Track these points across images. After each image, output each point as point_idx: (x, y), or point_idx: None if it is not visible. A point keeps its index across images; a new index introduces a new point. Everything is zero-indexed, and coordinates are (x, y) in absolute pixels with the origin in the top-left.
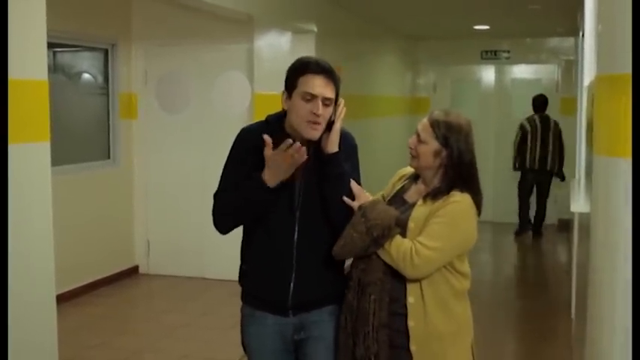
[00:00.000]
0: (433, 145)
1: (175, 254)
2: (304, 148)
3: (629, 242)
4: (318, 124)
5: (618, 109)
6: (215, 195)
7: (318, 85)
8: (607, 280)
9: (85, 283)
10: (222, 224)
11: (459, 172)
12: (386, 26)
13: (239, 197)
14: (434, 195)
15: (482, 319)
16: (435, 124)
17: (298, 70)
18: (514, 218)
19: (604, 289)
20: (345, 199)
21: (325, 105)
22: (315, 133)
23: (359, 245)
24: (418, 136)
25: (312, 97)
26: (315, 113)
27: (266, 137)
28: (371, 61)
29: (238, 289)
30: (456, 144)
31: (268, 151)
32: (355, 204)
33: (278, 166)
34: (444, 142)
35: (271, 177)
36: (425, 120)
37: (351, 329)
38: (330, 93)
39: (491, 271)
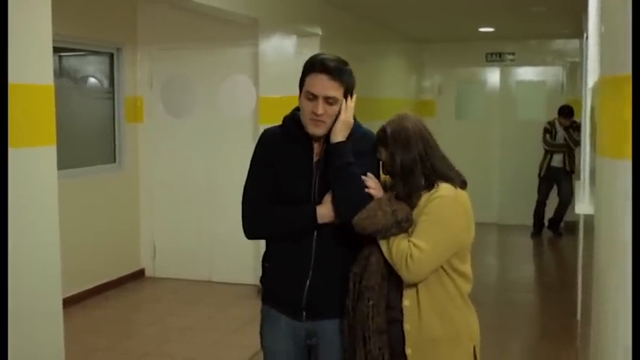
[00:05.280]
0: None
1: (181, 257)
2: None
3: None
4: (322, 121)
5: (621, 110)
6: (245, 199)
7: (320, 85)
8: (611, 282)
9: (91, 286)
10: (254, 233)
11: (409, 175)
12: (391, 29)
13: (286, 220)
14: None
15: (487, 321)
16: (381, 142)
17: (305, 70)
18: (519, 220)
19: (608, 291)
20: (370, 191)
21: (329, 104)
22: (317, 130)
23: (381, 222)
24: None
25: (313, 97)
26: (314, 112)
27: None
28: (376, 63)
29: (244, 292)
30: (397, 155)
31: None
32: (379, 194)
33: None
34: (391, 155)
35: (324, 216)
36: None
37: (349, 333)
38: (333, 91)
39: (497, 273)
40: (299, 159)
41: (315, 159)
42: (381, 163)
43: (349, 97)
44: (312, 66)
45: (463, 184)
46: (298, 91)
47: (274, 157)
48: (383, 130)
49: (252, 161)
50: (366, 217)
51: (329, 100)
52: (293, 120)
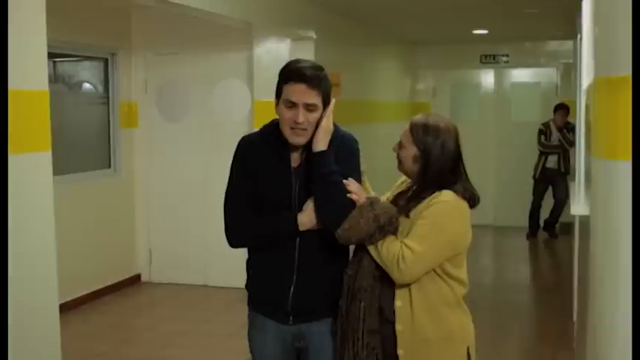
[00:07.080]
0: (412, 149)
1: (177, 262)
2: None
3: (629, 244)
4: (303, 129)
5: (616, 111)
6: (227, 209)
7: (299, 93)
8: (607, 283)
9: (87, 291)
10: (238, 241)
11: (434, 176)
12: (385, 32)
13: (267, 228)
14: (408, 201)
15: (483, 323)
16: (413, 129)
17: (282, 78)
18: (515, 221)
19: (604, 292)
20: (352, 195)
21: (309, 110)
22: (298, 139)
23: (364, 230)
24: (400, 141)
25: (293, 105)
26: (295, 121)
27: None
28: (370, 66)
29: (240, 296)
30: (431, 148)
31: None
32: (362, 200)
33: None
34: (422, 146)
35: (305, 224)
36: (407, 125)
37: (341, 334)
38: (313, 99)
39: (493, 275)
40: (278, 166)
41: (294, 165)
42: (402, 149)
43: (328, 104)
44: (289, 75)
45: (471, 199)
46: (275, 100)
47: (253, 164)
48: (421, 121)
49: (231, 169)
50: (349, 228)
51: (309, 107)
52: (271, 126)
